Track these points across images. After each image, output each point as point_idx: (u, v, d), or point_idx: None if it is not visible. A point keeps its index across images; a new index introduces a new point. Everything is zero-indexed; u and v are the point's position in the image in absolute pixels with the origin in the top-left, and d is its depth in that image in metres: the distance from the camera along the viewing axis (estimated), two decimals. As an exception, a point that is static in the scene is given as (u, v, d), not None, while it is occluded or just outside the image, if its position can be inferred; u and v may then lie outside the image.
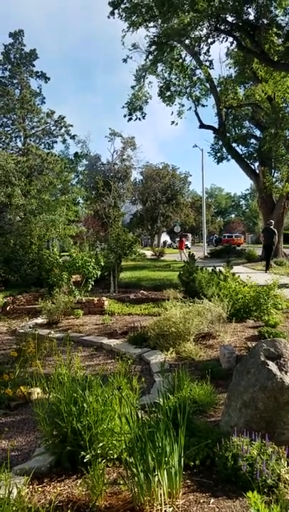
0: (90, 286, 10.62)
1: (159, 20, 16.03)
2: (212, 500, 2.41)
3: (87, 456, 2.71)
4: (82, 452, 2.75)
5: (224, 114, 20.11)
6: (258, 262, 18.85)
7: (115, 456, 2.87)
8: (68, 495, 2.57)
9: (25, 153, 22.88)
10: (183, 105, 20.84)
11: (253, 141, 22.10)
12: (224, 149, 21.44)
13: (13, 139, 24.11)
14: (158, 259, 24.43)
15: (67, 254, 14.69)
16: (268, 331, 5.79)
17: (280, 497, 2.32)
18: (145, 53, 18.02)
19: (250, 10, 14.37)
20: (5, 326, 8.54)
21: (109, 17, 16.00)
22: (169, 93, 19.83)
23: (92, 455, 2.71)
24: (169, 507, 2.36)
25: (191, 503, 2.40)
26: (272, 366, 2.94)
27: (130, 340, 6.36)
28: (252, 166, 21.22)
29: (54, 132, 25.19)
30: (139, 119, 20.29)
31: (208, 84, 19.61)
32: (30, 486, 2.67)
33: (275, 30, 14.52)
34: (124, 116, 20.20)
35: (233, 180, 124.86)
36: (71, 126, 25.17)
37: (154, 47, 17.35)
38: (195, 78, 19.81)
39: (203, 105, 21.31)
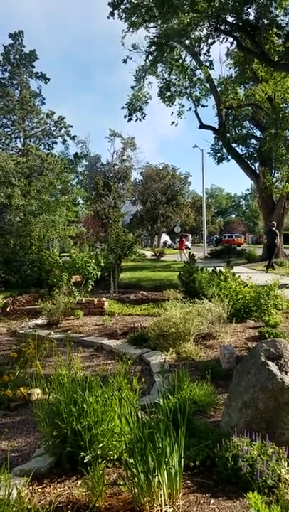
0: (90, 286, 10.61)
1: (159, 21, 16.07)
2: (212, 501, 2.41)
3: (87, 456, 2.70)
4: (82, 453, 2.75)
5: (224, 115, 20.13)
6: (259, 262, 18.84)
7: (115, 456, 2.86)
8: (68, 496, 2.57)
9: (25, 153, 22.87)
10: (183, 105, 20.92)
11: (253, 141, 22.14)
12: (224, 149, 21.45)
13: (13, 140, 24.14)
14: (158, 260, 24.41)
15: (67, 254, 14.66)
16: (268, 331, 5.79)
17: (281, 497, 2.32)
18: (145, 54, 18.07)
19: (250, 10, 14.40)
20: (5, 326, 8.53)
21: (109, 17, 16.04)
22: (169, 93, 19.86)
23: (92, 456, 2.71)
24: (169, 508, 2.35)
25: (191, 504, 2.39)
26: (272, 367, 2.93)
27: (130, 341, 6.35)
28: (252, 167, 21.24)
29: (54, 133, 25.17)
30: (139, 119, 20.33)
31: (208, 85, 19.64)
32: (30, 487, 2.67)
33: (275, 30, 14.54)
34: (124, 116, 20.27)
35: (234, 181, 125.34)
36: (71, 126, 25.19)
37: (154, 47, 17.39)
38: (195, 78, 19.86)
39: (203, 105, 21.39)
